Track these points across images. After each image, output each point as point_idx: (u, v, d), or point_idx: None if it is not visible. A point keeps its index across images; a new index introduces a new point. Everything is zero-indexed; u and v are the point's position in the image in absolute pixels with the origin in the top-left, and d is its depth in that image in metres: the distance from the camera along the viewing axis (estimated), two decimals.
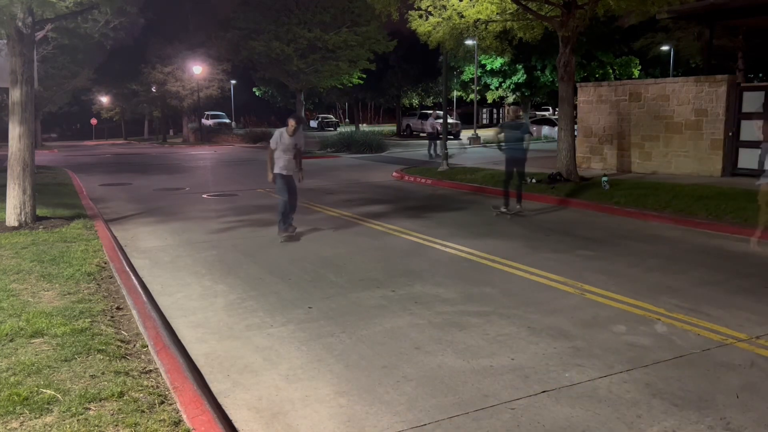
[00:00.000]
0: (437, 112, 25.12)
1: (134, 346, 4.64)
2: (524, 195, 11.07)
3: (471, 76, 34.18)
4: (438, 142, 23.28)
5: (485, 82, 33.68)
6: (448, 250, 8.03)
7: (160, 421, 3.41)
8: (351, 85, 30.85)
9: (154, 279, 6.76)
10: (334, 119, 61.98)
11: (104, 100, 53.97)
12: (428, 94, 51.16)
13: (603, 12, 14.03)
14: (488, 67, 32.60)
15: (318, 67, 25.75)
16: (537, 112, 48.59)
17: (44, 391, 3.72)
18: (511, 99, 36.68)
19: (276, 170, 8.59)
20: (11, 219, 9.22)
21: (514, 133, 10.54)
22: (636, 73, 32.12)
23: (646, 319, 5.25)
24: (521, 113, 11.14)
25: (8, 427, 3.33)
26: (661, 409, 3.69)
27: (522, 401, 3.80)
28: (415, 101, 54.65)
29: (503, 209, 10.63)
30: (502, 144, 10.70)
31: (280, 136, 8.56)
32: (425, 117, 43.43)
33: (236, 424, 3.57)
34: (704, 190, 11.65)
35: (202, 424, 3.39)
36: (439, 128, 23.62)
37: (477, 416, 3.63)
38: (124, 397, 3.67)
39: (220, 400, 3.87)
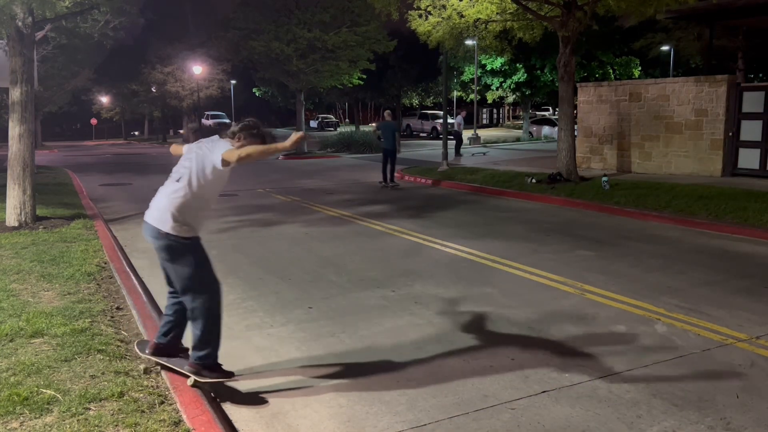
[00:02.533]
0: (458, 115, 27.60)
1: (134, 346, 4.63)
2: (524, 195, 12.77)
3: (471, 76, 34.16)
4: (460, 141, 24.68)
5: (485, 82, 33.66)
6: (448, 250, 8.03)
7: (160, 421, 3.41)
8: (351, 85, 30.83)
9: (154, 279, 6.74)
10: (334, 119, 62.01)
11: (104, 100, 53.99)
12: (428, 94, 51.20)
13: (603, 12, 14.03)
14: (488, 67, 32.59)
15: (318, 67, 25.73)
16: (537, 112, 48.57)
17: (44, 391, 3.71)
18: (511, 99, 36.69)
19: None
20: (11, 219, 9.22)
21: (388, 130, 14.82)
22: (636, 73, 32.12)
23: (646, 319, 5.25)
24: (392, 114, 16.33)
25: (8, 427, 3.33)
26: (661, 409, 3.69)
27: (522, 401, 3.80)
28: (415, 101, 54.71)
29: (382, 183, 15.00)
30: (380, 137, 14.93)
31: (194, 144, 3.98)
32: (425, 117, 43.56)
33: (236, 424, 3.57)
34: (704, 190, 11.65)
35: (202, 424, 3.39)
36: (459, 129, 24.50)
37: (477, 416, 3.63)
38: (124, 397, 3.67)
39: (220, 400, 3.87)
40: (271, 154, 3.68)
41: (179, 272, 3.76)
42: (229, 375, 3.87)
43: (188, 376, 3.82)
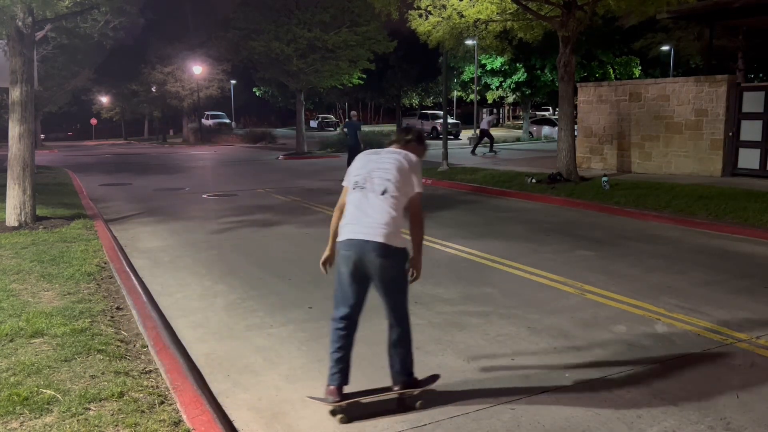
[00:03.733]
0: (490, 114, 28.62)
1: (134, 346, 4.63)
2: (524, 195, 12.82)
3: (471, 75, 34.15)
4: (491, 139, 25.66)
5: (485, 82, 33.66)
6: (448, 250, 8.02)
7: (160, 421, 3.41)
8: (351, 85, 30.80)
9: (154, 279, 6.76)
10: (334, 119, 62.06)
11: (104, 100, 53.96)
12: (428, 94, 51.22)
13: (603, 12, 14.03)
14: (488, 67, 32.58)
15: (318, 67, 25.72)
16: (537, 112, 48.56)
17: (44, 391, 3.72)
18: (511, 99, 36.65)
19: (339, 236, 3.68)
20: (11, 219, 9.22)
21: (352, 128, 17.83)
22: (636, 73, 32.10)
23: (646, 319, 5.25)
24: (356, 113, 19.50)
25: (8, 428, 3.33)
26: (661, 409, 3.69)
27: (522, 401, 3.80)
28: (415, 101, 54.69)
29: None
30: (347, 135, 18.07)
31: (365, 154, 3.81)
32: (425, 117, 43.63)
33: (236, 424, 3.57)
34: (704, 190, 11.65)
35: (202, 424, 3.39)
36: (487, 126, 25.55)
37: (477, 416, 3.63)
38: (124, 397, 3.67)
39: (220, 400, 3.87)
40: (420, 235, 3.71)
41: (398, 286, 3.63)
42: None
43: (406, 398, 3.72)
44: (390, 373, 3.75)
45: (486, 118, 27.32)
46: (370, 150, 3.80)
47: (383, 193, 3.53)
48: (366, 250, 3.47)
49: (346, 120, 22.22)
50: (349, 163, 16.89)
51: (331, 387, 3.63)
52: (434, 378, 3.87)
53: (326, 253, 3.94)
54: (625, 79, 28.96)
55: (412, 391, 3.71)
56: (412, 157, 3.69)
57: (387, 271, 3.52)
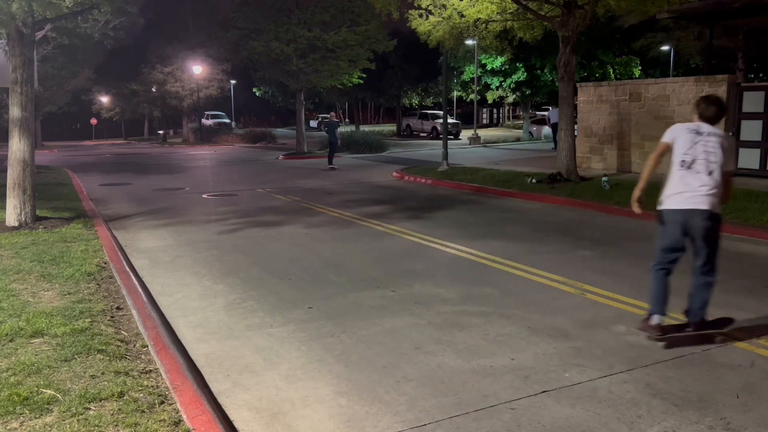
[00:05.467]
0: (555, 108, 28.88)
1: (134, 346, 4.64)
2: (524, 195, 12.82)
3: (471, 75, 34.15)
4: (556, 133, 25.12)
5: (485, 82, 33.66)
6: (448, 250, 8.03)
7: (160, 421, 3.41)
8: (351, 85, 30.77)
9: (154, 279, 6.76)
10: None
11: (104, 100, 53.95)
12: (428, 94, 51.17)
13: (603, 12, 14.03)
14: (488, 67, 32.59)
15: (318, 67, 25.72)
16: (537, 112, 48.53)
17: (44, 391, 3.72)
18: (511, 99, 36.68)
19: (663, 204, 4.63)
20: (11, 219, 9.22)
21: (331, 127, 20.91)
22: (636, 72, 32.10)
23: None
24: (334, 114, 23.60)
25: (8, 427, 3.33)
26: (661, 409, 3.69)
27: (522, 401, 3.80)
28: (415, 101, 54.62)
29: (331, 166, 20.07)
30: (327, 132, 21.11)
31: (688, 131, 4.56)
32: (425, 117, 43.64)
33: (236, 424, 3.57)
34: None
35: (202, 424, 3.39)
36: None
37: (477, 416, 3.63)
38: (124, 397, 3.67)
39: (220, 400, 3.87)
40: (725, 200, 4.60)
41: (717, 239, 4.57)
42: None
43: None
44: (690, 313, 4.74)
45: (552, 113, 25.48)
46: (691, 127, 4.56)
47: (710, 173, 4.43)
48: (694, 216, 4.44)
49: (326, 120, 26.45)
50: (330, 157, 20.57)
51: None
52: (726, 321, 4.80)
53: (637, 193, 4.80)
54: (625, 79, 28.96)
55: (712, 331, 4.72)
56: (731, 138, 4.44)
57: (709, 230, 4.47)
